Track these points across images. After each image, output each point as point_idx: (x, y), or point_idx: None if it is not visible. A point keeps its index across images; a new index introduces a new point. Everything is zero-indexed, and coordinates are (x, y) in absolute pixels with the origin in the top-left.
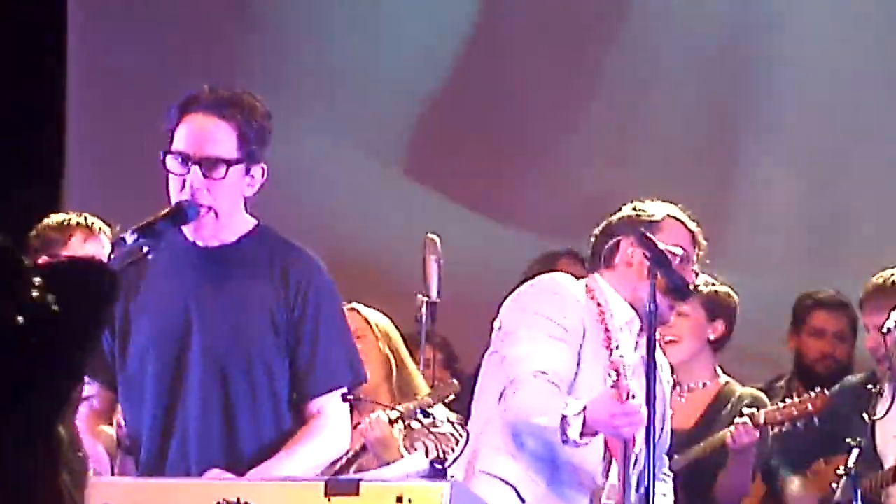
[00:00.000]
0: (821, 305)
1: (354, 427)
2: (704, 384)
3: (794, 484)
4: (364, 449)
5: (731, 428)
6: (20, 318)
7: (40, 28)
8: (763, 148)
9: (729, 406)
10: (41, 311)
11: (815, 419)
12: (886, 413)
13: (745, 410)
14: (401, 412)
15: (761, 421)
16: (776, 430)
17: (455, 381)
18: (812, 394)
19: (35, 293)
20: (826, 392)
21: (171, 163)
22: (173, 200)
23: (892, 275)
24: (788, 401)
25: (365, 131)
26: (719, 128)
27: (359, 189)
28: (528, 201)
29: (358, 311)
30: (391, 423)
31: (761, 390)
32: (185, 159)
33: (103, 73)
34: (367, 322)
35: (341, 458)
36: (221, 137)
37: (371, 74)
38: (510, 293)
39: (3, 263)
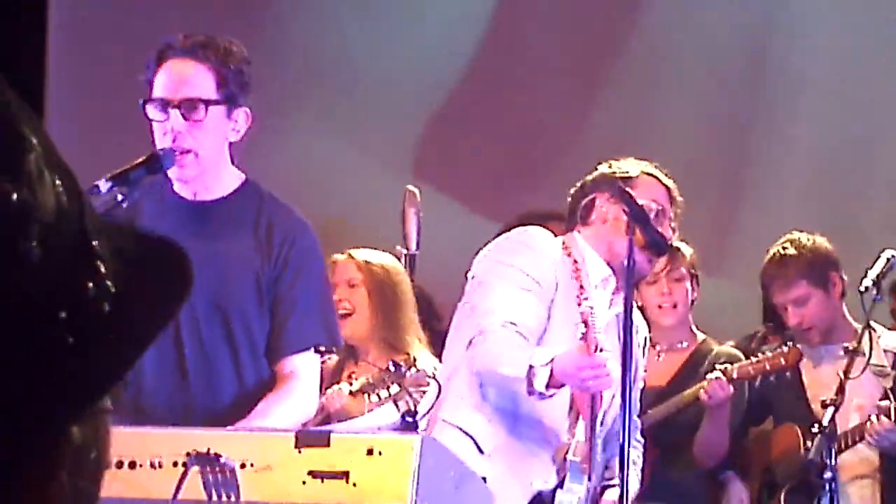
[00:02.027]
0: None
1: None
2: (683, 343)
3: None
4: (327, 420)
5: (704, 383)
6: (64, 312)
7: None
8: (775, 157)
9: (706, 363)
10: (99, 301)
11: (780, 375)
12: (862, 373)
13: (719, 366)
14: (363, 383)
15: (734, 375)
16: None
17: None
18: (784, 348)
19: (102, 270)
20: (797, 346)
21: (152, 111)
22: (157, 145)
23: (779, 249)
24: (760, 356)
25: (374, 136)
26: (731, 135)
27: (365, 193)
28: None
29: (354, 258)
30: (352, 394)
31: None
32: (165, 105)
33: (85, 17)
34: (360, 269)
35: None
36: (199, 79)
37: (381, 77)
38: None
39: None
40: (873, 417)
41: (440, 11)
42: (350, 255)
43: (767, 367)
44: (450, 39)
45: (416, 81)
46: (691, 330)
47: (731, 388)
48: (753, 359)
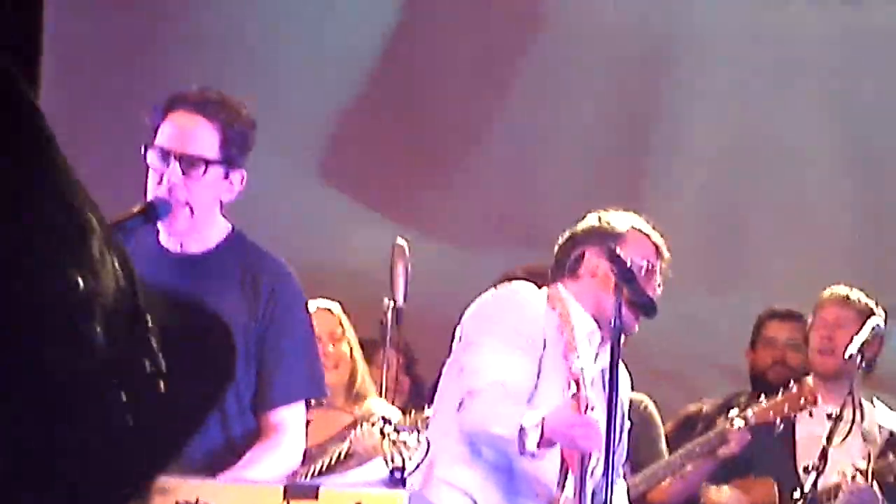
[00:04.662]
0: (773, 315)
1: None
2: None
3: (723, 491)
4: (349, 456)
5: (717, 431)
6: (125, 393)
7: None
8: (672, 162)
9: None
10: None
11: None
12: (844, 440)
13: (734, 413)
14: (392, 425)
15: (755, 422)
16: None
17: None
18: (794, 389)
19: (155, 348)
20: (810, 383)
21: (152, 158)
22: (149, 194)
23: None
24: (770, 399)
25: (280, 137)
26: (628, 144)
27: (273, 194)
28: (438, 209)
29: (331, 312)
30: (383, 436)
31: (723, 405)
32: (166, 155)
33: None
34: (342, 324)
35: (323, 461)
36: (204, 137)
37: (287, 79)
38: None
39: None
40: (848, 475)
41: (345, 10)
42: (331, 310)
43: (786, 409)
44: (354, 40)
45: (321, 81)
46: None
47: (749, 435)
48: (764, 401)
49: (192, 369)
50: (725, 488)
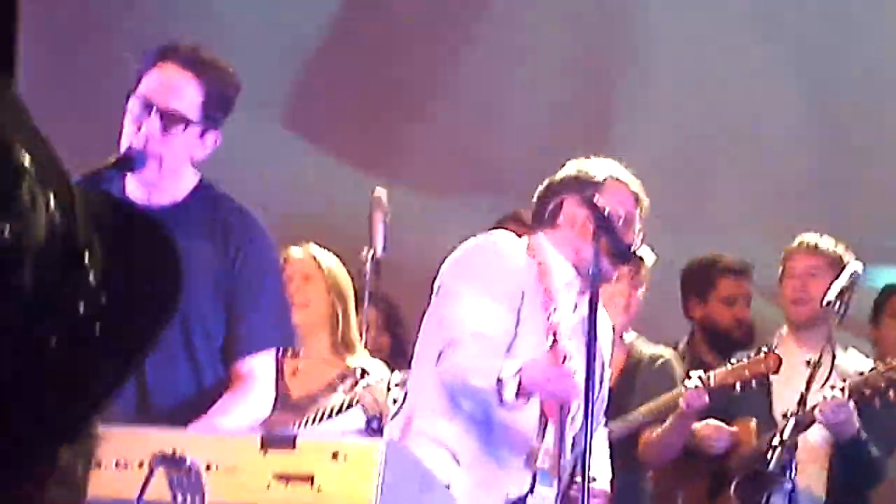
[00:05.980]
0: (728, 271)
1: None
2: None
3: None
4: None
5: (682, 391)
6: (55, 340)
7: None
8: (635, 106)
9: (642, 365)
10: (95, 307)
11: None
12: (822, 386)
13: (694, 373)
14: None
15: (713, 384)
16: None
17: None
18: (761, 354)
19: (92, 284)
20: (776, 352)
21: (133, 105)
22: (124, 140)
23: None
24: (735, 362)
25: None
26: (591, 89)
27: (235, 141)
28: (404, 156)
29: (311, 253)
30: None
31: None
32: (148, 106)
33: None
34: (318, 265)
35: (321, 412)
36: (189, 94)
37: (251, 26)
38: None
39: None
40: (826, 393)
41: None
42: (306, 250)
43: (747, 374)
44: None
45: (283, 33)
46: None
47: (707, 396)
48: (729, 365)
49: (137, 295)
50: (711, 421)
